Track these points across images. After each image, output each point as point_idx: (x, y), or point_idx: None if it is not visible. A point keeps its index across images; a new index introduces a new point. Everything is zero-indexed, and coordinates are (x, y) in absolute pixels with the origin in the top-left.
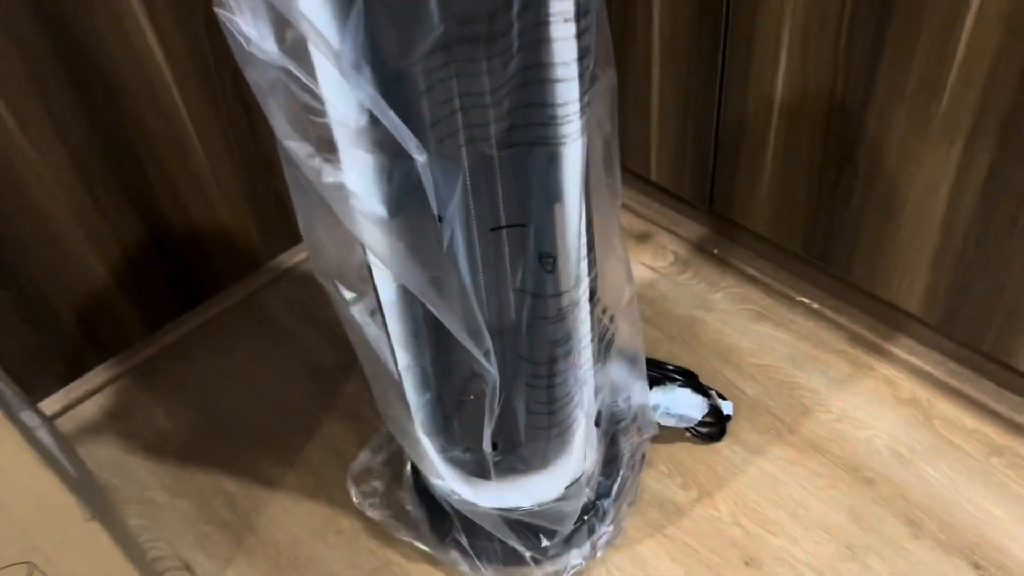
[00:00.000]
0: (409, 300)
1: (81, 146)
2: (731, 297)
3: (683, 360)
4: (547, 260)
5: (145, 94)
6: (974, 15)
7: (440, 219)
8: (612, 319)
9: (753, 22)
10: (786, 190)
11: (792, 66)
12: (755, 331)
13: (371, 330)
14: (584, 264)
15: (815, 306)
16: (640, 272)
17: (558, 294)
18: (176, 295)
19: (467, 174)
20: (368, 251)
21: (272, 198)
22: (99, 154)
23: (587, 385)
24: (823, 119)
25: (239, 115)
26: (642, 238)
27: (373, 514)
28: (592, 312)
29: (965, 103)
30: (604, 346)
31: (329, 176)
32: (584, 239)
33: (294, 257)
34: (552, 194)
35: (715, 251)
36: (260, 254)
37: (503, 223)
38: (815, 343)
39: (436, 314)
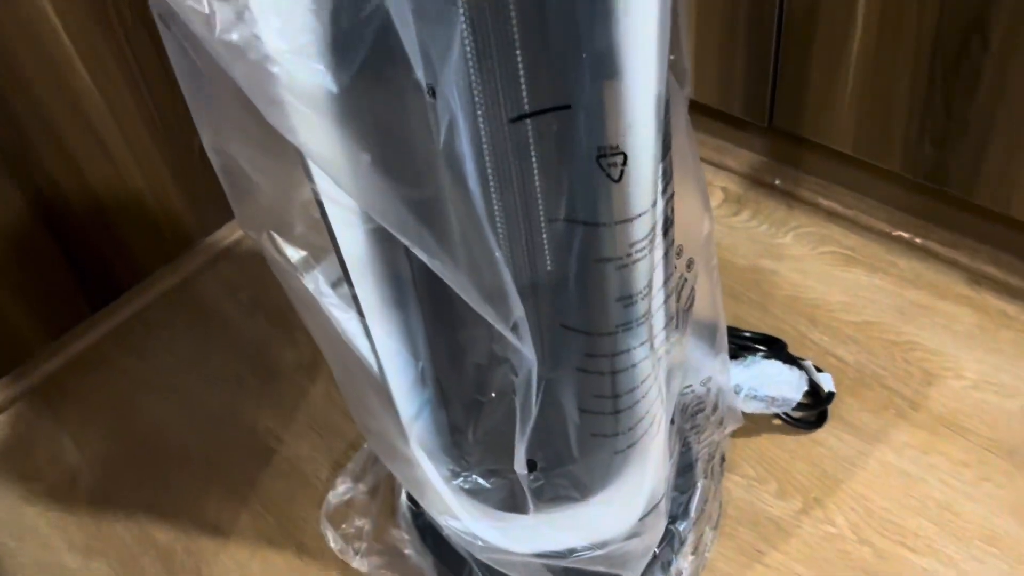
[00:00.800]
0: (387, 249)
1: None
2: (805, 239)
3: (755, 324)
4: (611, 160)
5: (23, 43)
6: None
7: (432, 91)
8: (690, 264)
9: None
10: (880, 85)
11: None
12: (844, 279)
13: (333, 307)
14: (661, 168)
15: (919, 241)
16: None
17: (629, 219)
18: (83, 290)
19: (467, 13)
20: (310, 164)
21: (199, 153)
22: None
23: (661, 365)
24: None
25: (143, 43)
26: None
27: (359, 564)
28: (667, 253)
29: None
30: (684, 306)
31: (231, 28)
32: (662, 127)
33: (236, 230)
34: (611, 49)
35: (776, 182)
36: (191, 228)
37: (529, 108)
38: (926, 289)
39: (431, 266)
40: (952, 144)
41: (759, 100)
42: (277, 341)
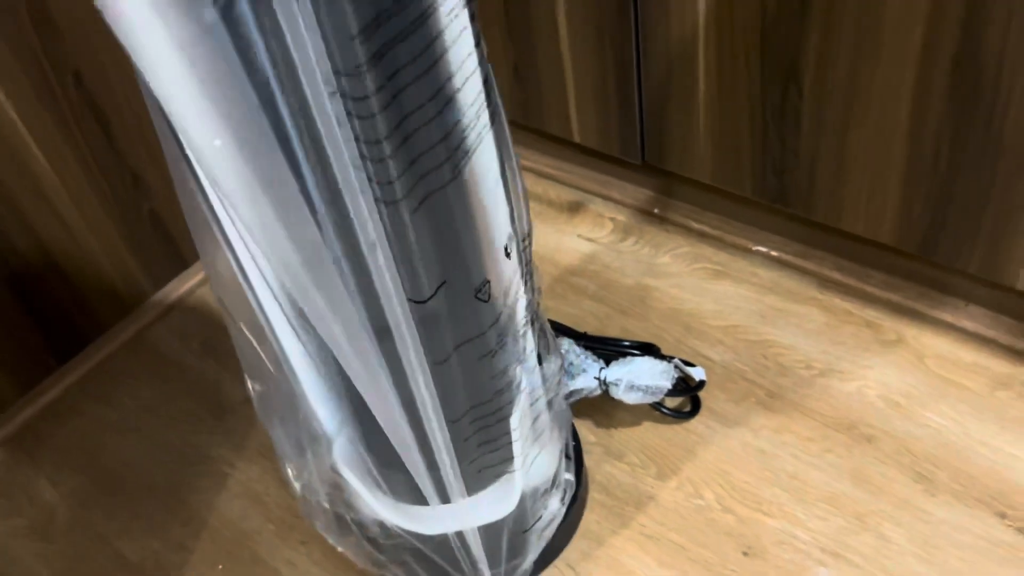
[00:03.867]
0: None
1: None
2: (681, 258)
3: (638, 333)
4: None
5: None
6: None
7: None
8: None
9: None
10: (726, 126)
11: None
12: (713, 291)
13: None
14: None
15: (775, 254)
16: (578, 245)
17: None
18: (49, 346)
19: None
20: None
21: (147, 218)
22: None
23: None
24: (756, 34)
25: (91, 125)
26: (575, 208)
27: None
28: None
29: None
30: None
31: None
32: None
33: (184, 284)
34: None
35: (655, 211)
36: (143, 285)
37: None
38: (782, 294)
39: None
40: (789, 172)
41: (631, 142)
42: (227, 380)
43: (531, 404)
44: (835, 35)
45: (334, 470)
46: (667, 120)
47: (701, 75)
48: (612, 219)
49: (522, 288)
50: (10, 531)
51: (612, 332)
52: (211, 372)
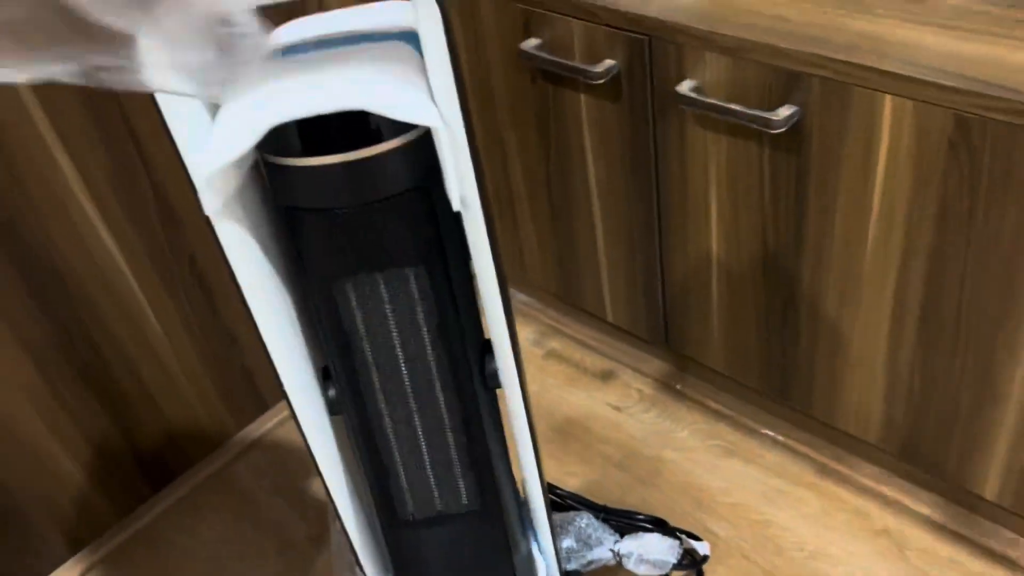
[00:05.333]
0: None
1: (37, 342)
2: (698, 434)
3: (654, 504)
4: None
5: (104, 294)
6: (883, 168)
7: None
8: None
9: (683, 186)
10: (736, 331)
11: (723, 223)
12: (724, 468)
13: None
14: None
15: (780, 438)
16: (607, 413)
17: None
18: (145, 478)
19: None
20: None
21: (239, 372)
22: (57, 350)
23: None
24: (760, 267)
25: (198, 296)
26: (606, 376)
27: None
28: None
29: (890, 245)
30: None
31: None
32: None
33: (263, 426)
34: None
35: (678, 387)
36: (228, 427)
37: None
38: (785, 477)
39: None
40: (790, 374)
41: (656, 329)
42: (292, 519)
43: None
44: (824, 275)
45: None
46: (686, 317)
47: (714, 287)
48: (639, 390)
49: None
50: None
51: (632, 500)
52: (278, 510)
